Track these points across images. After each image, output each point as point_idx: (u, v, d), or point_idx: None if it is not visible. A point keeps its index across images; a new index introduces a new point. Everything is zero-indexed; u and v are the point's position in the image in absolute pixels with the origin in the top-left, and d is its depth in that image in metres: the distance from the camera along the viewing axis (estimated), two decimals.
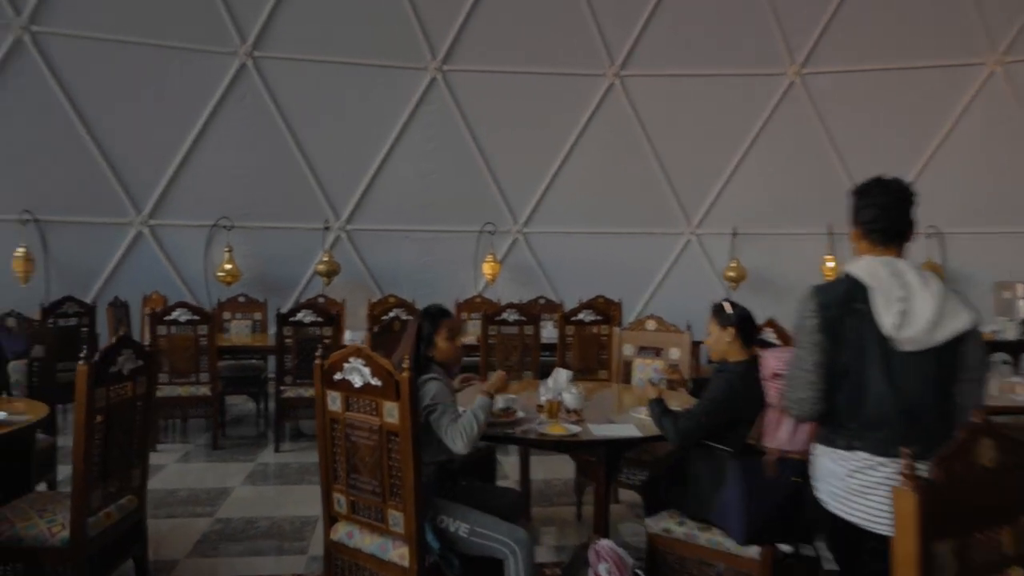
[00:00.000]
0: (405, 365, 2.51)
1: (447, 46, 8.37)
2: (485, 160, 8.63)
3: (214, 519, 4.19)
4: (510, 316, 5.88)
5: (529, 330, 5.90)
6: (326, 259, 8.14)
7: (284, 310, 5.67)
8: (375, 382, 2.53)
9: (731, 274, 8.72)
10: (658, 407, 2.94)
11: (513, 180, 8.77)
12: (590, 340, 5.88)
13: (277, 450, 5.64)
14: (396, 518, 2.57)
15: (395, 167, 8.49)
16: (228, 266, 7.96)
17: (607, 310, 6.28)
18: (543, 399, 3.37)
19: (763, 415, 2.76)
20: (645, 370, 4.52)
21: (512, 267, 8.90)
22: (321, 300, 7.43)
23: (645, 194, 8.87)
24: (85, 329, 6.33)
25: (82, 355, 2.63)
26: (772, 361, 2.70)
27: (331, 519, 2.78)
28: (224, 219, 8.00)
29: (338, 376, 2.62)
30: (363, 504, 2.67)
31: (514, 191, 8.82)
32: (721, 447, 2.86)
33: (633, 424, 3.16)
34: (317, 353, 2.71)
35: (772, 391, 2.66)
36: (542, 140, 8.67)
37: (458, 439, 2.69)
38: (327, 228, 8.37)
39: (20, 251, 7.22)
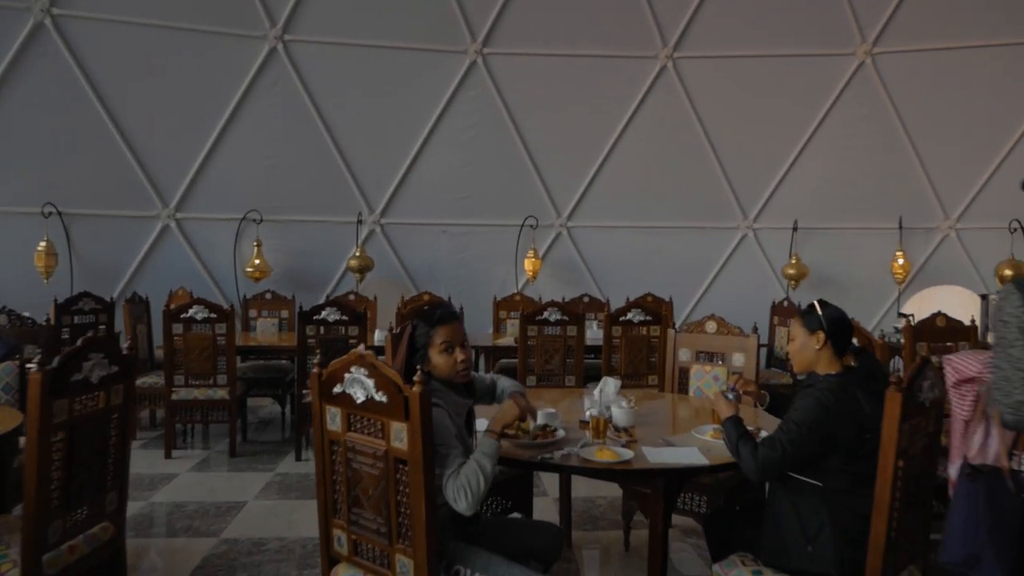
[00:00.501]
0: (416, 379, 2.01)
1: (487, 27, 7.86)
2: (527, 149, 8.11)
3: (219, 539, 3.77)
4: (551, 315, 5.36)
5: (572, 331, 5.38)
6: (358, 254, 7.73)
7: (309, 308, 5.25)
8: (379, 397, 2.05)
9: (791, 271, 8.05)
10: (735, 429, 2.40)
11: (557, 170, 8.23)
12: (638, 342, 5.33)
13: (298, 459, 5.23)
14: (405, 565, 2.08)
15: (432, 157, 8.03)
16: (257, 261, 7.60)
17: (657, 309, 5.71)
18: (588, 413, 2.86)
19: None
20: (703, 378, 3.97)
21: (554, 263, 8.38)
22: (351, 297, 7.02)
23: (698, 185, 8.25)
24: (103, 327, 6.00)
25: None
26: (963, 365, 2.36)
27: (330, 560, 2.31)
28: (253, 212, 7.65)
29: (338, 389, 2.15)
30: (367, 544, 2.19)
31: (558, 182, 8.28)
32: (809, 480, 2.31)
33: (696, 448, 2.61)
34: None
35: (960, 400, 2.36)
36: (588, 128, 8.11)
37: (460, 498, 2.16)
38: (360, 222, 7.95)
39: (42, 245, 6.95)
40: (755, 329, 4.15)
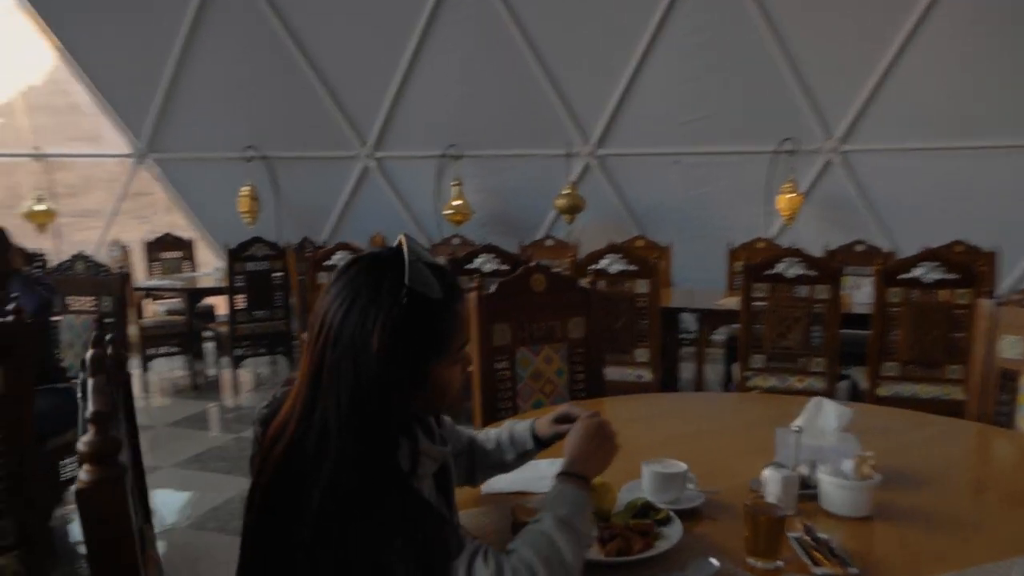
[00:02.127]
0: None
1: None
2: (782, 49, 6.13)
3: None
4: (789, 268, 3.69)
5: (823, 292, 3.67)
6: (567, 192, 6.49)
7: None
8: None
9: None
10: None
11: (825, 77, 6.17)
12: (932, 313, 3.48)
13: None
14: None
15: (656, 72, 6.42)
16: (457, 202, 6.72)
17: (969, 265, 3.73)
18: (764, 475, 1.38)
19: None
20: None
21: (822, 200, 6.40)
22: (548, 244, 5.85)
23: None
24: (279, 274, 5.52)
25: None
26: None
27: None
28: (452, 147, 6.76)
29: None
30: None
31: (826, 93, 6.22)
32: None
33: None
34: None
35: None
36: (870, 16, 5.93)
37: None
38: (570, 155, 6.69)
39: (245, 190, 6.73)
40: None
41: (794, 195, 6.16)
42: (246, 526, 1.09)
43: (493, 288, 2.44)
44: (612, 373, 3.84)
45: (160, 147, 7.07)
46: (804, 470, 1.42)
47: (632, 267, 3.86)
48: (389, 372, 1.06)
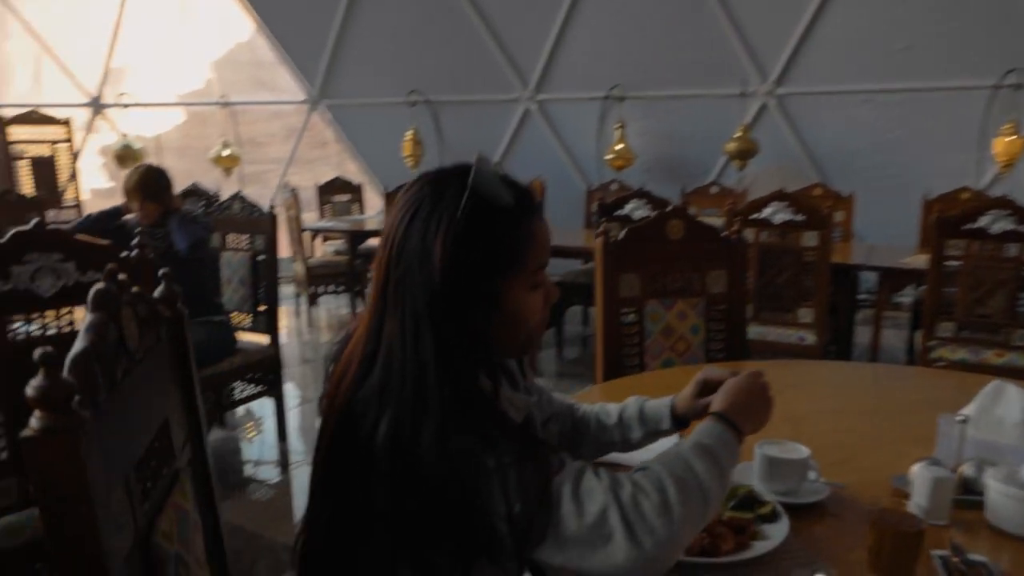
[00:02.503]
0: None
1: None
2: None
3: None
4: (995, 223, 3.12)
5: None
6: (739, 135, 5.97)
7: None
8: None
9: None
10: None
11: None
12: None
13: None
14: None
15: None
16: (619, 147, 6.40)
17: None
18: (914, 470, 1.10)
19: None
20: None
21: None
22: (714, 190, 5.43)
23: None
24: None
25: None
26: None
27: None
28: (616, 88, 6.42)
29: None
30: None
31: None
32: None
33: None
34: None
35: None
36: None
37: (639, 532, 0.85)
38: (744, 94, 6.14)
39: (409, 134, 6.82)
40: None
41: (1015, 138, 5.26)
42: (314, 463, 0.99)
43: (622, 234, 2.21)
44: (770, 333, 3.50)
45: (331, 94, 7.33)
46: (968, 471, 1.11)
47: (799, 217, 3.45)
48: (455, 285, 0.92)
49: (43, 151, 6.76)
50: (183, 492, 0.98)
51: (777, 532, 1.03)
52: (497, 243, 0.95)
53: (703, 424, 1.01)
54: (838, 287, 3.80)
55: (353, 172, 7.63)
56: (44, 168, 6.71)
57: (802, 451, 1.19)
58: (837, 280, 3.71)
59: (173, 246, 3.09)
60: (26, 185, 6.42)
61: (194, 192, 4.78)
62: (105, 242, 1.92)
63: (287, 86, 7.52)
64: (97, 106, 7.56)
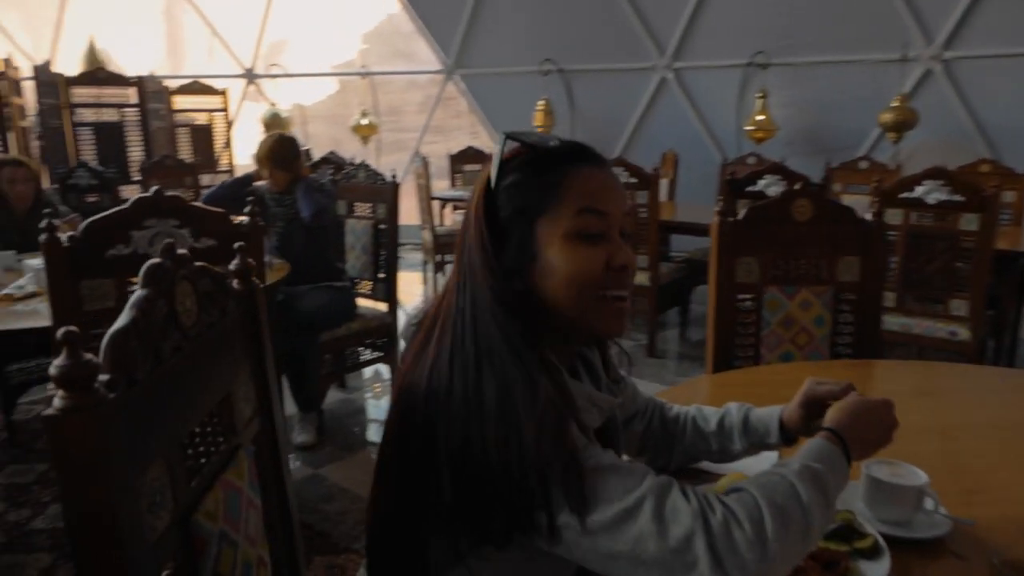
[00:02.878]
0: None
1: None
2: None
3: None
4: None
5: None
6: (896, 104, 5.44)
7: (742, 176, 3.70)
8: None
9: None
10: None
11: None
12: None
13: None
14: None
15: None
16: (760, 117, 6.03)
17: None
18: None
19: None
20: None
21: None
22: (863, 165, 4.98)
23: None
24: None
25: None
26: None
27: None
28: (760, 55, 6.03)
29: None
30: None
31: None
32: None
33: None
34: None
35: None
36: None
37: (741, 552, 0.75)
38: (906, 59, 5.58)
39: (540, 103, 6.74)
40: None
41: None
42: (382, 443, 0.95)
43: (742, 214, 2.04)
44: (916, 325, 3.20)
45: (466, 63, 7.35)
46: None
47: (957, 197, 3.08)
48: (498, 236, 0.88)
49: (202, 119, 7.24)
50: (238, 470, 0.97)
51: (876, 572, 0.89)
52: (528, 184, 0.89)
53: (813, 442, 0.89)
54: (1002, 277, 3.39)
55: (487, 142, 7.66)
56: (202, 135, 7.19)
57: (919, 476, 1.03)
58: (1002, 269, 3.31)
59: (299, 213, 3.19)
60: (185, 151, 6.90)
61: (328, 160, 4.94)
62: (219, 210, 1.99)
63: (426, 57, 7.63)
64: (251, 77, 7.98)
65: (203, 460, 0.93)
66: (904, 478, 1.03)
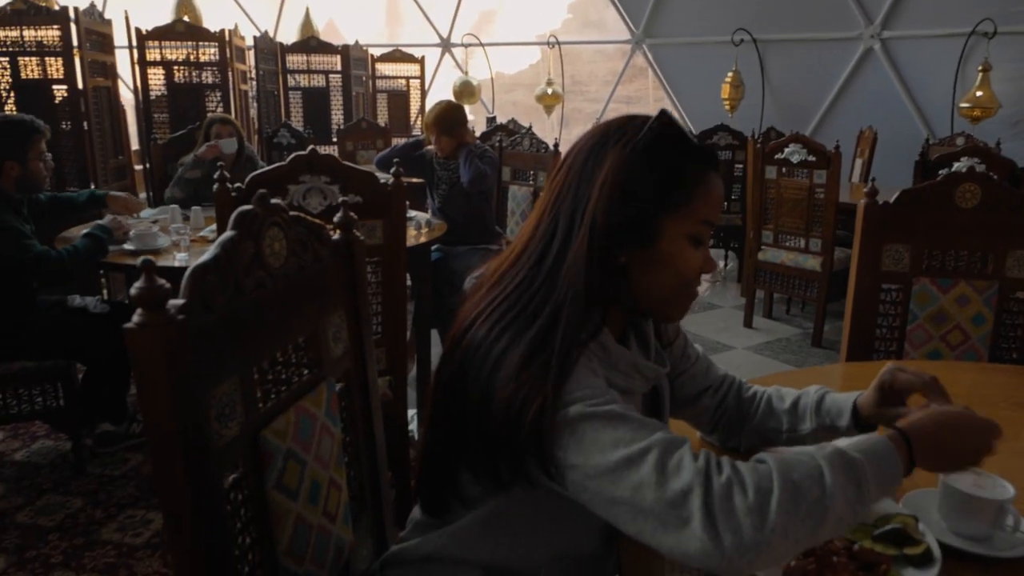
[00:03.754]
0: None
1: None
2: None
3: None
4: None
5: None
6: None
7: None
8: None
9: None
10: None
11: None
12: None
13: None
14: None
15: None
16: (979, 93, 5.39)
17: None
18: None
19: None
20: None
21: None
22: None
23: None
24: (740, 165, 5.25)
25: None
26: None
27: None
28: (986, 21, 5.36)
29: None
30: None
31: None
32: None
33: None
34: None
35: None
36: None
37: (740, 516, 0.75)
38: None
39: (729, 75, 6.46)
40: None
41: None
42: (432, 387, 1.01)
43: (894, 197, 1.88)
44: None
45: (654, 33, 7.19)
46: None
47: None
48: (621, 205, 0.90)
49: (400, 85, 7.70)
50: (316, 399, 1.09)
51: None
52: (669, 173, 0.91)
53: (871, 435, 0.85)
54: None
55: None
56: (399, 100, 7.65)
57: (1005, 489, 0.93)
58: None
59: (460, 178, 3.34)
60: (382, 116, 7.39)
61: (503, 128, 5.09)
62: (366, 169, 2.15)
63: (616, 27, 7.56)
64: (447, 46, 8.34)
65: (283, 387, 1.05)
66: (986, 490, 0.93)
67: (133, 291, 0.79)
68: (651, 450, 0.78)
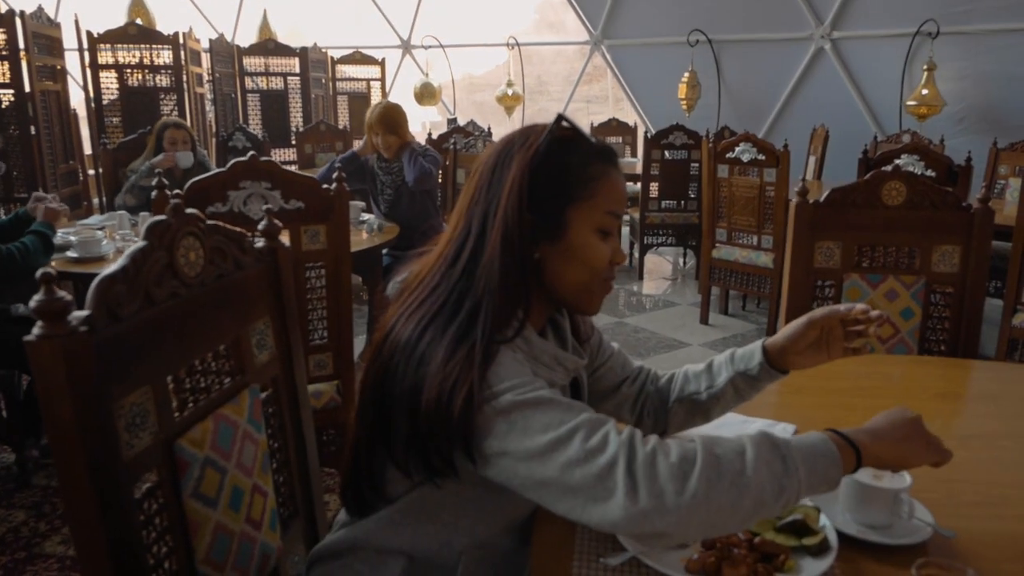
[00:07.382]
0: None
1: None
2: None
3: None
4: None
5: None
6: None
7: None
8: None
9: None
10: None
11: None
12: None
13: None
14: None
15: None
16: (925, 91, 5.53)
17: None
18: None
19: None
20: None
21: None
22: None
23: None
24: (696, 164, 5.31)
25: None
26: None
27: None
28: (930, 22, 5.50)
29: None
30: None
31: None
32: None
33: None
34: None
35: None
36: None
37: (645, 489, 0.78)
38: None
39: (686, 75, 6.54)
40: None
41: None
42: (360, 387, 1.04)
43: (823, 196, 1.93)
44: None
45: (612, 34, 7.25)
46: None
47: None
48: (528, 201, 0.94)
49: (360, 88, 7.66)
50: (237, 407, 1.09)
51: (813, 570, 0.86)
52: (570, 170, 0.97)
53: (808, 433, 0.87)
54: None
55: (630, 114, 7.56)
56: (360, 103, 7.61)
57: (901, 479, 0.97)
58: None
59: (404, 178, 3.35)
60: (342, 117, 7.34)
61: (460, 130, 5.09)
62: (307, 175, 2.15)
63: (574, 28, 7.60)
64: (407, 47, 8.32)
65: (202, 395, 1.05)
66: (883, 480, 0.97)
67: (32, 303, 0.80)
68: (578, 430, 0.81)
